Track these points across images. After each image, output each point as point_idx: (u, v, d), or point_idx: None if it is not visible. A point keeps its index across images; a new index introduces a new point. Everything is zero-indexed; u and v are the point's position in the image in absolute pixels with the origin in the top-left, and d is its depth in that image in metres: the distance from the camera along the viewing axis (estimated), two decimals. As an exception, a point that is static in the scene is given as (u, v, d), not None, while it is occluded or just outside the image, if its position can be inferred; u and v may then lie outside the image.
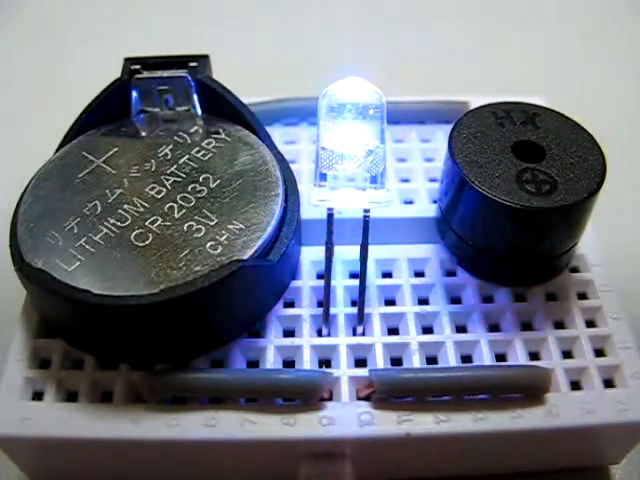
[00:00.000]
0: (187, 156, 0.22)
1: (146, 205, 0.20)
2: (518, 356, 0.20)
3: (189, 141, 0.22)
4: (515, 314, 0.21)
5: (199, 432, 0.18)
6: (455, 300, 0.22)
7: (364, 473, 0.20)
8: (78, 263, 0.19)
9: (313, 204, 0.20)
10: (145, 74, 0.23)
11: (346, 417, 0.19)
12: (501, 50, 0.39)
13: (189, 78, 0.23)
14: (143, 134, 0.23)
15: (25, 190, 0.21)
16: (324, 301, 0.20)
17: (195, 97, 0.23)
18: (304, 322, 0.21)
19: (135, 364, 0.19)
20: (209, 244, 0.19)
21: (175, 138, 0.22)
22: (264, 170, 0.21)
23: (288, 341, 0.20)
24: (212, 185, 0.21)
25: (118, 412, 0.19)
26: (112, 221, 0.20)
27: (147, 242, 0.19)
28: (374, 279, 0.22)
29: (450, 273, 0.22)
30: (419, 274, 0.23)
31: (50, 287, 0.18)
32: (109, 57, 0.25)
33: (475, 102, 0.25)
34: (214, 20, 0.41)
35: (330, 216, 0.20)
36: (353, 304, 0.22)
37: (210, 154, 0.22)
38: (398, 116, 0.27)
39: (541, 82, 0.35)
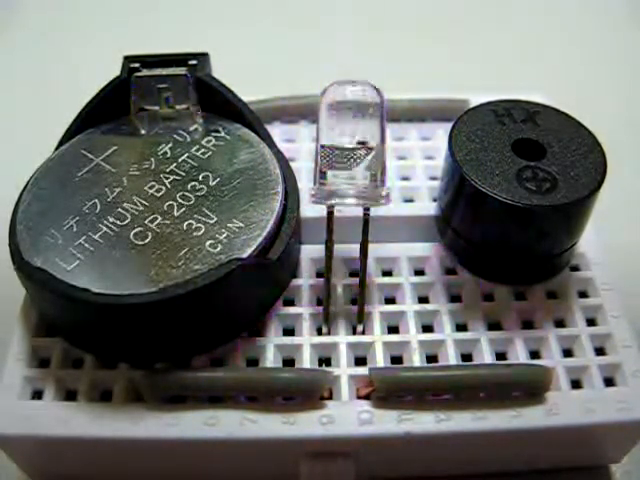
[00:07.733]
0: (187, 154, 0.22)
1: (145, 203, 0.20)
2: (518, 355, 0.20)
3: (189, 139, 0.22)
4: (515, 312, 0.21)
5: (199, 431, 0.18)
6: (455, 298, 0.22)
7: (364, 472, 0.20)
8: (77, 262, 0.19)
9: (313, 202, 0.20)
10: (144, 72, 0.23)
11: (346, 416, 0.19)
12: (501, 48, 0.39)
13: (189, 76, 0.23)
14: (142, 132, 0.23)
15: (24, 189, 0.21)
16: (324, 299, 0.20)
17: (195, 95, 0.23)
18: (304, 321, 0.21)
19: (135, 363, 0.19)
20: (208, 243, 0.19)
21: (175, 136, 0.22)
22: (264, 168, 0.21)
23: (288, 340, 0.20)
24: (212, 183, 0.21)
25: (118, 411, 0.19)
26: (111, 220, 0.20)
27: (146, 241, 0.19)
28: (374, 277, 0.22)
29: (450, 271, 0.22)
30: (419, 272, 0.23)
31: (49, 286, 0.18)
32: (108, 55, 0.24)
33: (475, 100, 0.25)
34: (214, 19, 0.41)
35: (330, 214, 0.20)
36: (353, 302, 0.22)
37: (210, 152, 0.22)
38: (398, 114, 0.27)
39: (542, 80, 0.35)
